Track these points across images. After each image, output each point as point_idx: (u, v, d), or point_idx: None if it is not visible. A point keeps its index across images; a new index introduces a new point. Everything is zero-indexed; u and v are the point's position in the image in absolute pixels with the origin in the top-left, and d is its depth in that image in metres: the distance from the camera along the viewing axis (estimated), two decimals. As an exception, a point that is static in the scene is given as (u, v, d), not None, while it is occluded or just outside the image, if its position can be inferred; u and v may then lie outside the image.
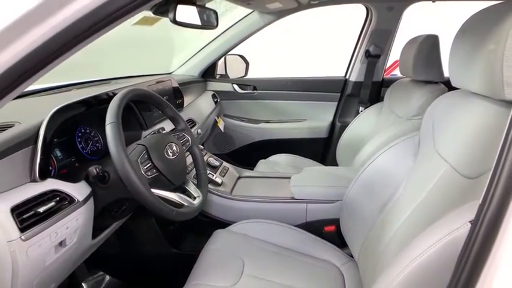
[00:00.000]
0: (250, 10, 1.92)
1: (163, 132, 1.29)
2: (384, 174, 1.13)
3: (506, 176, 0.50)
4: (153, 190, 0.88)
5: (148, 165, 0.92)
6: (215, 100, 2.15)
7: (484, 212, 0.52)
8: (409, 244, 0.73)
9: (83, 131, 1.12)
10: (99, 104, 1.11)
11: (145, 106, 1.33)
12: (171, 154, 0.99)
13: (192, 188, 1.08)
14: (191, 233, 1.57)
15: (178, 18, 1.22)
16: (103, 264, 1.50)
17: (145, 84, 1.39)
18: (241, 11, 1.92)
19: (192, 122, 1.63)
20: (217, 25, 1.46)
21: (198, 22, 1.33)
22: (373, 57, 2.03)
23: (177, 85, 1.61)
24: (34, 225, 0.75)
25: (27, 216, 0.75)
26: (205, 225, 1.48)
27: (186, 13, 1.27)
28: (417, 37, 1.57)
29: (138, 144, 0.96)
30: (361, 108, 2.10)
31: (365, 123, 1.91)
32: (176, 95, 1.59)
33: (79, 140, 1.10)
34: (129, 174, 0.81)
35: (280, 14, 1.92)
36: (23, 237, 0.72)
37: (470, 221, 0.58)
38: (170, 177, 0.96)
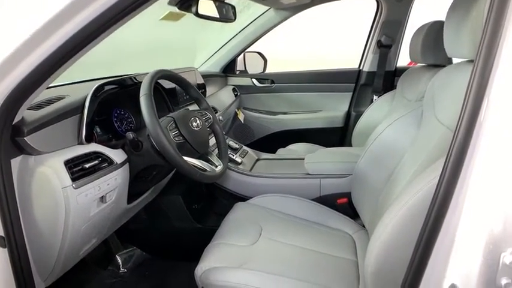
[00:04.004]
0: (267, 7, 2.05)
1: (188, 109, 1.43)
2: (389, 145, 1.21)
3: (463, 130, 0.57)
4: None
5: (176, 132, 1.06)
6: (235, 93, 2.29)
7: (446, 166, 0.59)
8: (398, 196, 0.82)
9: (118, 112, 1.28)
10: (131, 86, 1.27)
11: (172, 92, 1.48)
12: (195, 126, 1.12)
13: (214, 158, 1.21)
14: (213, 212, 1.69)
15: (200, 11, 1.37)
16: (134, 239, 1.64)
17: (171, 72, 1.54)
18: (258, 8, 2.06)
19: (214, 110, 1.77)
20: (235, 18, 1.60)
21: (217, 15, 1.48)
22: (385, 47, 2.10)
23: (200, 76, 1.76)
24: (82, 177, 0.90)
25: (77, 169, 0.90)
26: (226, 204, 1.60)
27: (207, 7, 1.42)
28: (425, 24, 1.64)
29: (167, 117, 1.10)
30: (375, 97, 2.17)
31: (379, 109, 1.97)
32: (199, 85, 1.74)
33: (115, 119, 1.26)
34: (160, 137, 0.94)
35: (294, 9, 2.05)
36: (74, 185, 0.86)
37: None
38: (194, 145, 1.09)
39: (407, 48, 1.73)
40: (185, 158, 1.02)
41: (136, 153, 1.08)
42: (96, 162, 0.95)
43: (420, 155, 1.02)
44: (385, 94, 2.01)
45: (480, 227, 0.55)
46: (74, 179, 0.87)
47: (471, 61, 0.98)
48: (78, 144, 0.96)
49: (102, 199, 1.00)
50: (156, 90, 1.39)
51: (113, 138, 1.21)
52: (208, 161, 1.17)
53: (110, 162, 1.00)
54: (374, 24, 2.14)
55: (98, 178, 0.94)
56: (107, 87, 1.14)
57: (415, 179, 0.80)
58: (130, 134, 1.03)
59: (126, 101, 1.29)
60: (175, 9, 1.42)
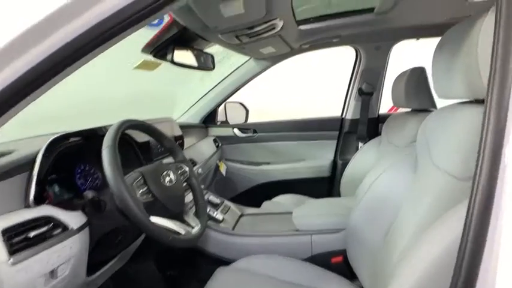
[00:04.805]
0: (247, 57, 2.05)
1: (161, 162, 1.30)
2: (384, 196, 1.12)
3: (486, 174, 0.51)
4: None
5: (144, 189, 0.92)
6: (216, 144, 2.19)
7: (472, 211, 0.52)
8: (407, 255, 0.71)
9: (82, 167, 1.14)
10: (97, 138, 1.14)
11: (145, 146, 1.36)
12: (168, 181, 0.99)
13: (190, 217, 1.06)
14: (192, 279, 1.49)
15: (176, 59, 1.31)
16: None
17: (144, 122, 1.43)
18: (238, 58, 2.04)
19: (192, 162, 1.64)
20: (214, 67, 1.56)
21: (195, 64, 1.43)
22: (367, 94, 2.10)
23: (177, 127, 1.66)
24: (24, 249, 0.73)
25: (18, 240, 0.73)
26: (206, 269, 1.41)
27: (184, 55, 1.36)
28: (405, 71, 1.65)
29: (135, 172, 0.97)
30: (360, 144, 2.12)
31: (366, 157, 1.91)
32: (176, 137, 1.63)
33: (78, 176, 1.12)
34: (123, 194, 0.80)
35: (274, 59, 2.04)
36: (11, 260, 0.70)
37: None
38: (167, 204, 0.95)
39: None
40: (155, 218, 0.87)
41: (99, 215, 0.93)
42: (45, 229, 0.79)
43: (421, 205, 0.92)
44: (371, 141, 1.96)
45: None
46: (13, 252, 0.71)
47: (465, 102, 0.93)
48: (25, 207, 0.81)
49: (52, 274, 0.82)
50: (127, 143, 1.27)
51: (74, 198, 1.05)
52: (183, 221, 1.03)
53: (64, 228, 0.84)
54: (354, 72, 2.15)
55: (47, 248, 0.78)
56: (70, 140, 1.01)
57: (425, 234, 0.69)
58: (90, 193, 0.89)
59: (91, 155, 1.15)
60: (150, 58, 1.36)
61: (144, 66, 1.35)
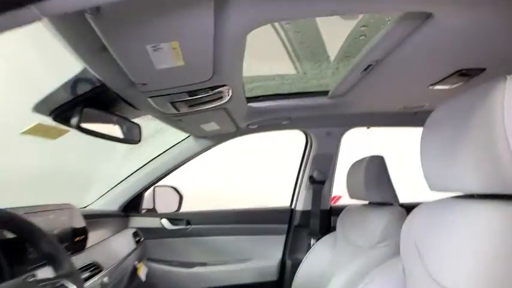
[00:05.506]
0: (186, 134, 1.76)
1: (29, 279, 0.83)
2: None
3: None
4: None
5: None
6: (137, 239, 1.72)
7: None
8: None
9: None
10: None
11: (15, 244, 0.89)
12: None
13: None
14: None
15: (84, 125, 0.96)
16: None
17: (20, 211, 0.96)
18: (174, 134, 1.75)
19: (95, 268, 1.17)
20: (139, 140, 1.23)
21: (113, 133, 1.09)
22: (318, 183, 1.90)
23: (80, 217, 1.21)
24: None
25: None
26: None
27: (98, 121, 1.03)
28: (361, 159, 1.50)
29: None
30: (312, 241, 1.83)
31: (320, 258, 1.62)
32: (76, 230, 1.18)
33: None
34: None
35: (218, 139, 1.79)
36: None
37: None
38: None
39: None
40: None
41: None
42: None
43: None
44: (324, 237, 1.70)
45: None
46: None
47: (465, 196, 0.73)
48: None
49: None
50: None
51: None
52: None
53: None
54: (304, 159, 1.97)
55: None
56: None
57: None
58: None
59: None
60: (49, 121, 1.00)
61: (39, 131, 0.97)
